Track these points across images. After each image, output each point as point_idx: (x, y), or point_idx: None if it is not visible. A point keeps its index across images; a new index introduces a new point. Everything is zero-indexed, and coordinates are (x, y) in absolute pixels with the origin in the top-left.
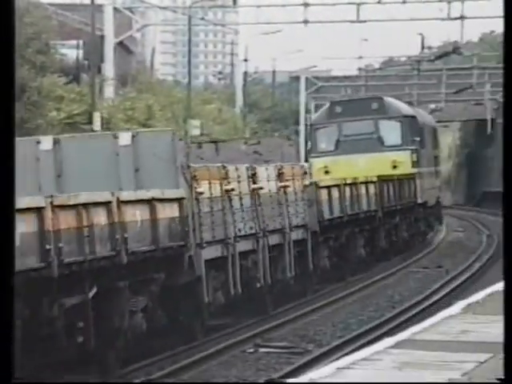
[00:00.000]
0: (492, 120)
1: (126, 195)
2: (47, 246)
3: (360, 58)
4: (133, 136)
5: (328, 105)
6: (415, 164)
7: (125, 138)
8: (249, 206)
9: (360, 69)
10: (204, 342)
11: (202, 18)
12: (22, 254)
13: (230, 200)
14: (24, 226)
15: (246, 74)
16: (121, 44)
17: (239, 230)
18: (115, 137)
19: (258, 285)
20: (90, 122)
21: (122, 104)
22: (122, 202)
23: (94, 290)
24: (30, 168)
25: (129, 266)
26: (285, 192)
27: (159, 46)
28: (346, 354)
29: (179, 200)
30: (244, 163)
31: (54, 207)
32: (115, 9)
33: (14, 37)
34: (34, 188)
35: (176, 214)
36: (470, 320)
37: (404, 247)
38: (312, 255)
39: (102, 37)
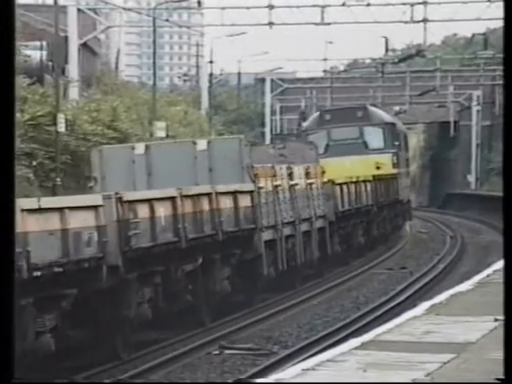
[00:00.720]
0: (455, 122)
1: (219, 188)
2: (179, 226)
3: (325, 60)
4: (208, 142)
5: (318, 113)
6: (395, 165)
7: (202, 144)
8: (288, 199)
9: (325, 71)
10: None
11: (167, 20)
12: (164, 230)
13: (278, 193)
14: (165, 211)
15: (211, 75)
16: (85, 45)
17: (284, 218)
18: (194, 143)
19: (294, 263)
20: (55, 123)
21: (86, 105)
22: (217, 194)
23: (201, 260)
24: (128, 169)
25: (222, 243)
26: (311, 188)
27: (124, 47)
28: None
29: (251, 192)
30: (272, 164)
31: (182, 197)
32: (79, 10)
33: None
34: (131, 184)
35: (249, 203)
36: (434, 321)
37: (387, 238)
38: (330, 241)
39: (66, 38)
